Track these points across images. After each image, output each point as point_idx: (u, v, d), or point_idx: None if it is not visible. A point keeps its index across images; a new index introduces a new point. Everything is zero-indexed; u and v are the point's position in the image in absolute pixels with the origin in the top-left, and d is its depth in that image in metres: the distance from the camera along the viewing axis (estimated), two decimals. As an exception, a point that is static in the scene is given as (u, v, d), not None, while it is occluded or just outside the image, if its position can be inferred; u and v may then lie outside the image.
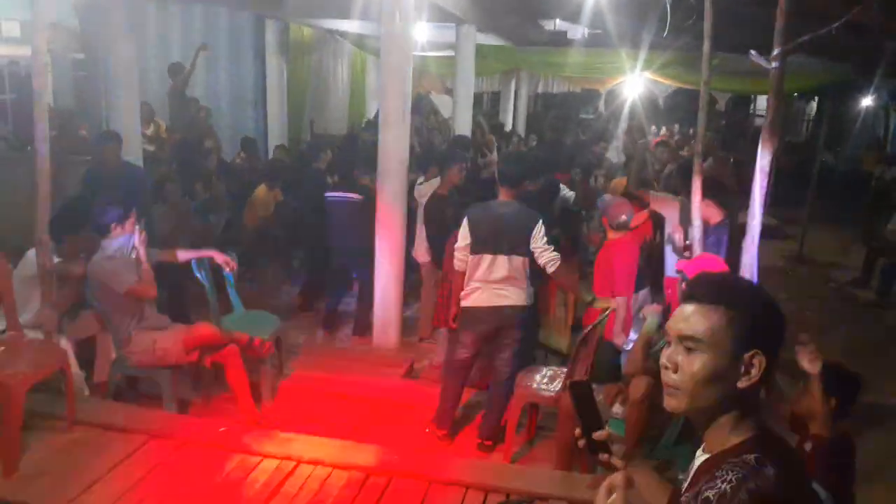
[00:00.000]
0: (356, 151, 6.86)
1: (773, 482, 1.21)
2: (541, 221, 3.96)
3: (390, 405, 4.62)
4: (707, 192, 4.09)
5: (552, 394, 3.99)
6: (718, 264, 3.30)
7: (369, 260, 5.35)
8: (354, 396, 4.68)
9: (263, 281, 6.87)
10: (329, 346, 5.69)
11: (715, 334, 1.31)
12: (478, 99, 15.88)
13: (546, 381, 4.14)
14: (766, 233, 12.02)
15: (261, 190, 6.96)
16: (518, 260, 3.97)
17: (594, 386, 3.71)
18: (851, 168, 14.89)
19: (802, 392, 2.78)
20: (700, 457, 1.39)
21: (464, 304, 4.07)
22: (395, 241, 5.39)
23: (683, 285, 3.32)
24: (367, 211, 5.36)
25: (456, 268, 4.08)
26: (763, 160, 3.04)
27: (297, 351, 5.38)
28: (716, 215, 4.48)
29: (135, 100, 5.89)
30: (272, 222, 6.95)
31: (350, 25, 10.29)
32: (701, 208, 4.07)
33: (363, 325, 5.75)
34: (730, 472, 1.24)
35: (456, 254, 4.05)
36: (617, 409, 3.46)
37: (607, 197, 4.93)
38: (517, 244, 3.95)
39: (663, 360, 1.36)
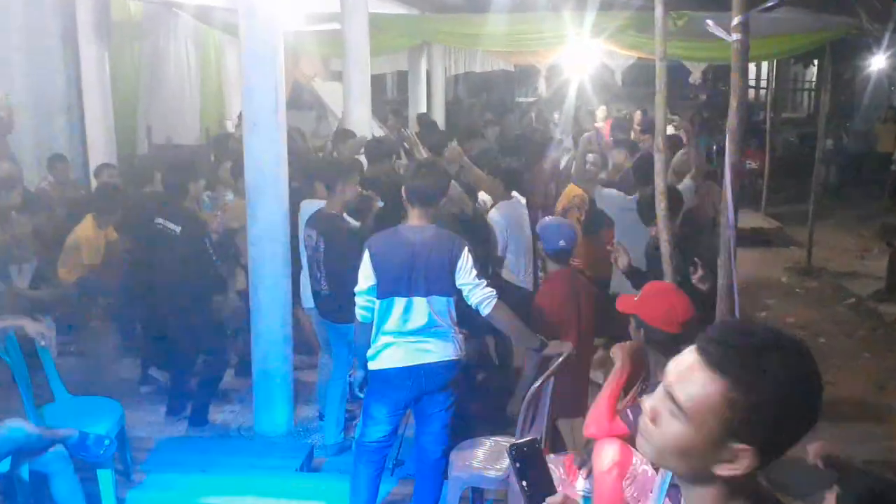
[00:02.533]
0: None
1: None
2: (467, 248, 4.12)
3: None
4: None
5: (500, 473, 4.15)
6: (679, 298, 3.52)
7: (200, 318, 5.45)
8: None
9: (96, 353, 6.79)
10: (195, 436, 5.67)
11: (702, 409, 1.39)
12: (378, 81, 16.14)
13: (491, 456, 4.29)
14: (763, 239, 12.60)
15: (86, 227, 6.86)
16: (441, 301, 4.11)
17: (551, 456, 3.91)
18: (865, 148, 15.85)
19: None
20: None
21: (372, 366, 4.18)
22: (277, 288, 5.46)
23: (639, 331, 3.54)
24: (192, 247, 5.47)
25: (357, 318, 4.20)
26: (732, 155, 3.31)
27: (150, 446, 5.35)
28: None
29: None
30: (103, 271, 6.88)
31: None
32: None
33: (200, 411, 5.82)
34: None
35: (357, 300, 4.17)
36: (581, 484, 3.65)
37: (547, 218, 5.21)
38: (438, 281, 4.09)
39: (647, 403, 1.49)
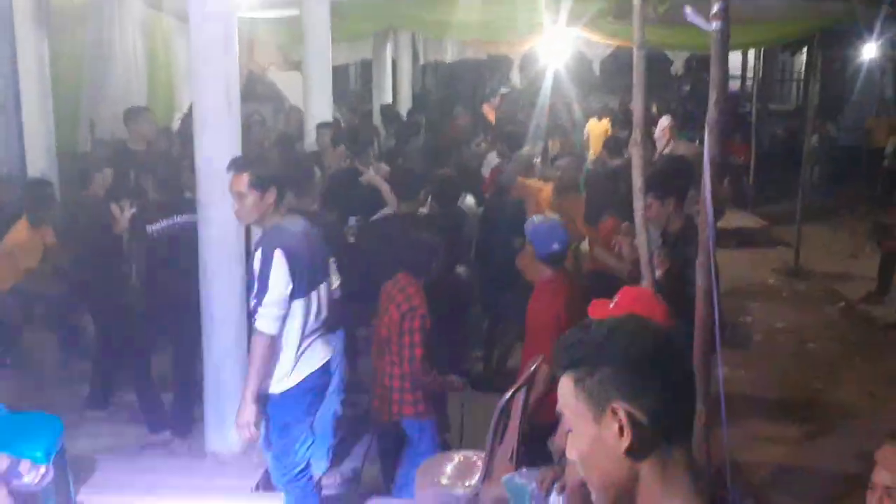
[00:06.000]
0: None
1: None
2: None
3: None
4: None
5: (469, 490, 4.14)
6: (656, 306, 3.51)
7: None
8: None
9: (33, 366, 6.72)
10: (141, 454, 5.66)
11: (570, 403, 1.55)
12: (341, 72, 16.08)
13: (460, 472, 4.28)
14: (749, 239, 12.67)
15: (20, 230, 6.81)
16: (327, 285, 4.43)
17: (523, 471, 3.93)
18: (855, 142, 16.02)
19: None
20: None
21: (291, 380, 4.18)
22: (231, 297, 5.44)
23: None
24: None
25: (268, 330, 4.04)
26: (711, 150, 3.32)
27: (94, 467, 5.31)
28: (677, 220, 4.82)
29: None
30: (41, 277, 6.83)
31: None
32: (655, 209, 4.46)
33: (182, 420, 5.84)
34: None
35: (271, 311, 4.03)
36: (554, 499, 3.66)
37: (536, 217, 5.16)
38: (325, 265, 4.45)
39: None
